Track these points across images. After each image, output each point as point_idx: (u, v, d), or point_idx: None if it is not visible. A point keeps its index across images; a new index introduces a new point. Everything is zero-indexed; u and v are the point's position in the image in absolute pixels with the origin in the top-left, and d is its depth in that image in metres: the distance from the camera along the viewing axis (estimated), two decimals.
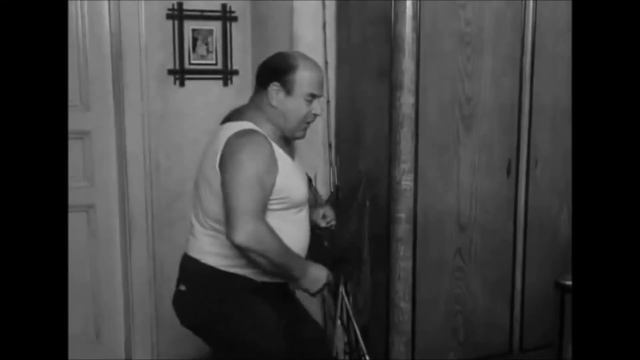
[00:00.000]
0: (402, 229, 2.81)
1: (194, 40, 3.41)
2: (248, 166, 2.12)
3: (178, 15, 3.35)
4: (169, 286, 3.48)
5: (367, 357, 2.97)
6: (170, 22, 3.35)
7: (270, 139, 2.20)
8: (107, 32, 3.31)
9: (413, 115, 2.75)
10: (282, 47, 3.17)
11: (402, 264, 2.83)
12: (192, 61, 3.42)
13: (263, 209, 2.17)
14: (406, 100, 2.73)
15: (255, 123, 2.23)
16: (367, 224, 2.97)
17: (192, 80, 3.43)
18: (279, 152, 2.22)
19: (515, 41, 2.96)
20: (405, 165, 2.77)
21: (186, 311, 2.40)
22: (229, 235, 2.12)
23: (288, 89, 2.22)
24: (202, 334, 2.42)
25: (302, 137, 2.34)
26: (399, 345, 2.86)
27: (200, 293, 2.32)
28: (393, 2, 2.69)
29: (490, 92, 2.93)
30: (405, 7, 2.68)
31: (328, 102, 3.17)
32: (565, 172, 3.15)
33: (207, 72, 3.46)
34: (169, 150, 3.43)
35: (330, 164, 3.16)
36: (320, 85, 2.28)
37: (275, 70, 2.24)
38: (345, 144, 3.18)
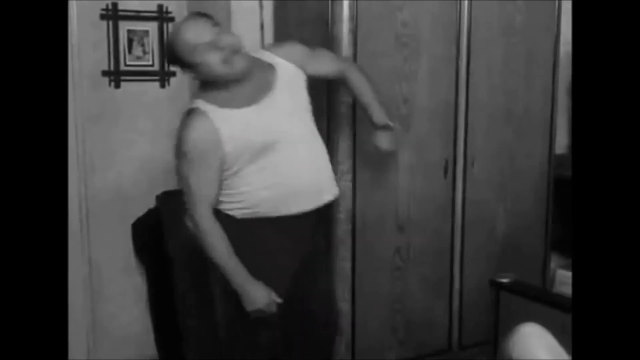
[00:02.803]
0: (341, 229, 2.82)
1: (130, 41, 3.36)
2: (187, 151, 2.23)
3: (113, 15, 3.30)
4: (106, 290, 3.45)
5: None
6: (104, 23, 3.29)
7: (217, 105, 2.25)
8: None
9: (351, 116, 2.77)
10: None
11: (342, 264, 2.84)
12: (128, 62, 3.37)
13: (212, 191, 2.26)
14: (344, 100, 2.75)
15: (203, 97, 2.30)
16: None
17: (128, 82, 3.37)
18: (224, 114, 2.25)
19: (451, 42, 3.00)
20: (343, 166, 2.78)
21: None
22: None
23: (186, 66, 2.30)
24: None
25: (241, 73, 2.28)
26: (339, 346, 2.87)
27: None
28: (330, 3, 2.70)
29: (427, 93, 2.96)
30: (342, 9, 2.70)
31: None
32: (501, 172, 3.21)
33: (144, 73, 3.41)
34: (105, 152, 3.36)
35: None
36: (207, 31, 2.25)
37: (170, 58, 2.38)
38: None
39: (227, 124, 2.24)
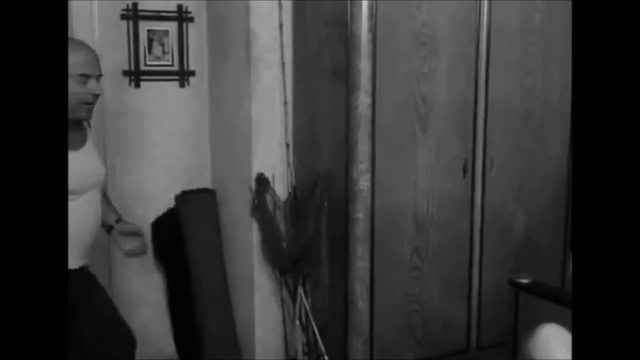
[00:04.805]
0: (360, 229, 2.82)
1: (150, 41, 3.38)
2: None
3: (133, 15, 3.32)
4: (125, 289, 3.48)
5: (326, 357, 2.98)
6: (124, 23, 3.32)
7: None
8: None
9: (370, 115, 2.76)
10: (238, 48, 3.17)
11: (360, 263, 2.83)
12: (148, 62, 3.39)
13: None
14: (363, 100, 2.74)
15: None
16: (324, 224, 2.98)
17: (147, 81, 3.40)
18: None
19: (469, 42, 2.99)
20: (362, 165, 2.78)
21: None
22: None
23: None
24: None
25: (86, 118, 2.36)
26: (357, 345, 2.87)
27: None
28: (349, 2, 2.70)
29: (445, 93, 2.96)
30: (361, 8, 2.69)
31: (285, 102, 3.16)
32: (520, 172, 3.20)
33: (163, 73, 3.44)
34: (125, 151, 3.39)
35: (288, 165, 3.15)
36: (93, 64, 2.29)
37: None
38: (303, 144, 3.18)
39: None
